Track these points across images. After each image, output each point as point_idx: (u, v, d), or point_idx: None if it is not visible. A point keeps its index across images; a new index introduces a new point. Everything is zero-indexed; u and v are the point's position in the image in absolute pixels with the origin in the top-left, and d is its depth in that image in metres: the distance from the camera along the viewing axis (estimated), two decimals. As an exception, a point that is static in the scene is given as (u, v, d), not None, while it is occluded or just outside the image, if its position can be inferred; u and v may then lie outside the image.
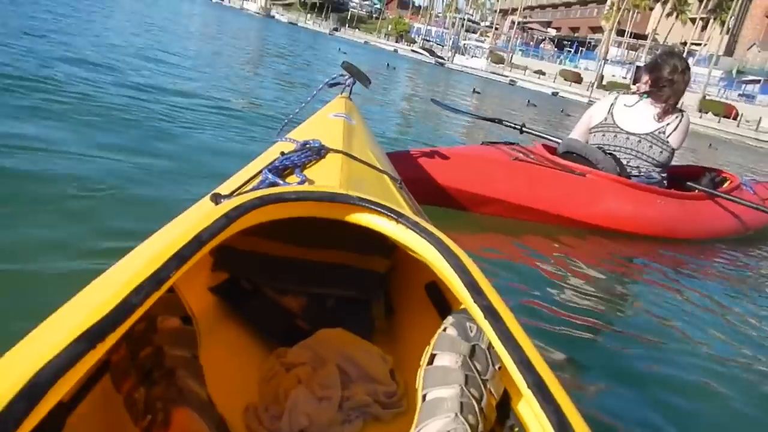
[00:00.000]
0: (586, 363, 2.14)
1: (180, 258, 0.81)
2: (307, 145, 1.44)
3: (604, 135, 3.91)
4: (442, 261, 0.97)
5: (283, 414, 1.11)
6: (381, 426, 1.17)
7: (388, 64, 25.81)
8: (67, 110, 4.03)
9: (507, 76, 51.76)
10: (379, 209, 1.06)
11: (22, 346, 0.66)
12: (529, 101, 22.38)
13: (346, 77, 2.43)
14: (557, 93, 45.86)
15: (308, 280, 1.39)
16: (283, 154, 1.40)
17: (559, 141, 4.07)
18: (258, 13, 71.08)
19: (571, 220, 3.56)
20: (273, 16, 71.99)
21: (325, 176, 1.31)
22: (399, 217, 1.04)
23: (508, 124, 4.76)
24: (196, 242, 0.85)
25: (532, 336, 0.88)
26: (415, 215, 1.10)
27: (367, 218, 1.08)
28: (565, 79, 52.62)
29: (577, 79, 52.83)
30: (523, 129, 4.51)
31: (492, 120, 5.09)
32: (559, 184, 3.56)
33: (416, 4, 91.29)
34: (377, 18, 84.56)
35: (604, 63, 53.25)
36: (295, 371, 1.21)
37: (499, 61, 59.53)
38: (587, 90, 47.71)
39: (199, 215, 0.94)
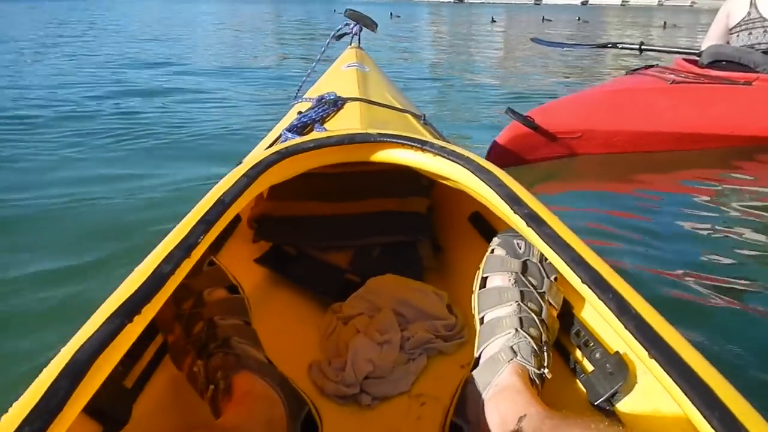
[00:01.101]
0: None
1: (206, 222, 0.81)
2: (323, 99, 1.41)
3: (750, 33, 3.40)
4: (474, 179, 0.94)
5: (346, 364, 1.11)
6: (446, 358, 1.16)
7: (391, 14, 24.87)
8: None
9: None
10: (401, 141, 1.02)
11: (78, 334, 0.67)
12: (543, 18, 22.09)
13: (352, 25, 2.37)
14: (587, 1, 43.42)
15: (351, 233, 1.38)
16: (300, 113, 1.37)
17: (695, 51, 3.59)
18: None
19: (745, 138, 3.15)
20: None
21: (346, 125, 1.28)
22: (423, 144, 1.00)
23: (625, 46, 4.12)
24: (220, 205, 0.85)
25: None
26: (441, 141, 1.06)
27: (391, 153, 1.05)
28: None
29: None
30: (642, 48, 3.90)
31: (604, 46, 4.48)
32: (726, 98, 3.13)
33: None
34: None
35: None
36: (352, 323, 1.22)
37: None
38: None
39: (223, 181, 0.94)
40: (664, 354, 0.63)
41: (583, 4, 42.86)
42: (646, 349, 0.64)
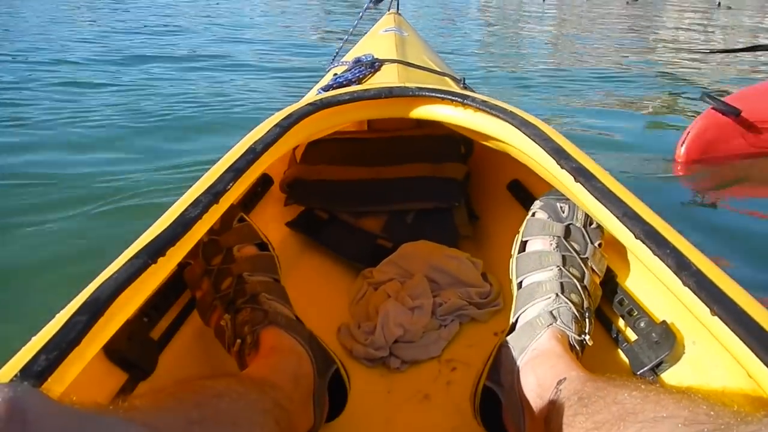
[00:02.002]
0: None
1: (235, 171, 0.79)
2: (360, 61, 1.38)
3: None
4: (520, 135, 0.88)
5: (375, 328, 1.09)
6: (480, 325, 1.13)
7: None
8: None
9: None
10: (441, 95, 0.97)
11: (102, 273, 0.67)
12: None
13: None
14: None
15: (384, 198, 1.35)
16: (336, 75, 1.35)
17: None
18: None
19: None
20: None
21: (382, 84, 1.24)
22: (464, 99, 0.95)
23: None
24: (251, 153, 0.82)
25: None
26: (482, 96, 1.00)
27: (431, 109, 1.00)
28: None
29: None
30: None
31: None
32: None
33: None
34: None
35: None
36: (383, 288, 1.19)
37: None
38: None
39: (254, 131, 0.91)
40: (730, 311, 0.57)
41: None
42: (709, 306, 0.59)
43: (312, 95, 1.42)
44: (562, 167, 0.80)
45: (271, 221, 1.30)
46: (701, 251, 0.67)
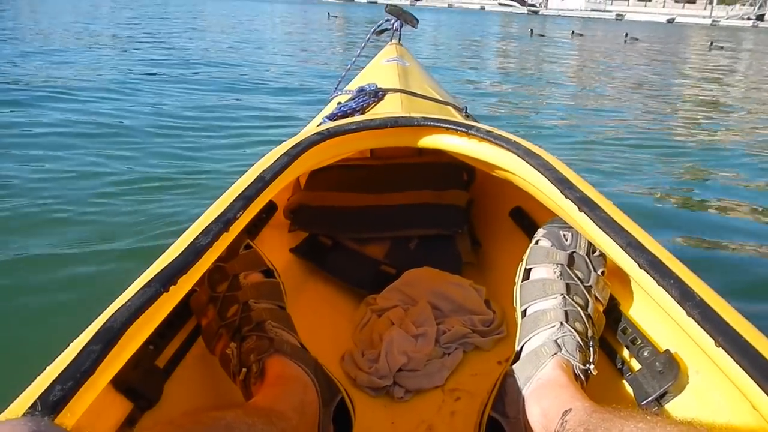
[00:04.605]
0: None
1: (245, 198, 0.80)
2: (363, 91, 1.40)
3: None
4: (524, 165, 0.89)
5: (379, 356, 1.08)
6: (483, 353, 1.12)
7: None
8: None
9: (611, 11, 47.65)
10: (446, 125, 0.98)
11: (114, 303, 0.67)
12: (627, 35, 19.99)
13: (392, 21, 2.35)
14: (673, 19, 41.35)
15: (388, 224, 1.35)
16: (340, 104, 1.36)
17: None
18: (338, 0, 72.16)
19: None
20: (353, 0, 72.62)
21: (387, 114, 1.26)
22: (468, 129, 0.96)
23: None
24: (260, 182, 0.84)
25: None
26: (486, 126, 1.01)
27: (436, 138, 1.01)
28: (676, 1, 47.34)
29: (691, -1, 47.33)
30: None
31: None
32: None
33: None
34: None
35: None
36: (386, 315, 1.19)
37: (598, -5, 54.92)
38: (704, 9, 42.59)
39: (262, 160, 0.93)
40: (734, 343, 0.57)
41: (669, 21, 40.75)
42: (713, 337, 0.59)
43: (317, 122, 1.43)
44: (566, 197, 0.81)
45: (276, 247, 1.30)
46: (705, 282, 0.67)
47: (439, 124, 0.99)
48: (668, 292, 0.65)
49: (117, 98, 4.82)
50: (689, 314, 0.62)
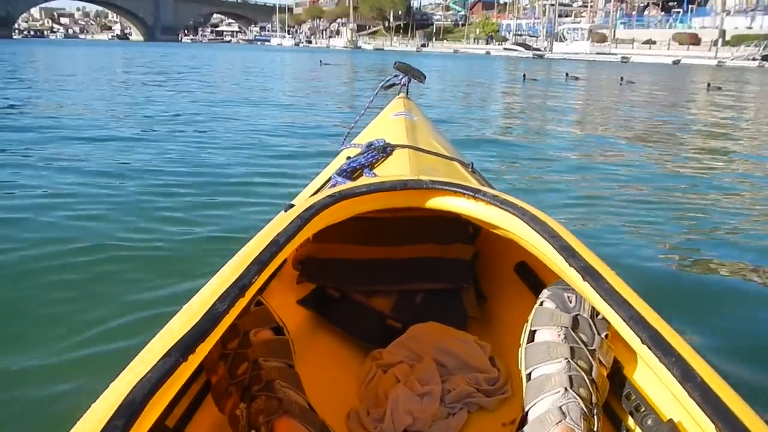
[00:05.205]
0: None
1: (260, 263, 0.81)
2: (372, 146, 1.43)
3: None
4: (529, 231, 0.91)
5: (385, 415, 1.08)
6: (488, 414, 1.11)
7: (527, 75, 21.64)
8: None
9: (616, 54, 48.32)
10: (453, 189, 1.02)
11: (125, 370, 0.67)
12: (622, 79, 19.67)
13: (400, 77, 2.41)
14: (679, 61, 41.84)
15: (394, 278, 1.36)
16: (349, 158, 1.40)
17: None
18: (345, 47, 74.45)
19: None
20: (360, 47, 74.84)
21: (395, 171, 1.29)
22: (476, 193, 0.99)
23: None
24: (274, 246, 0.85)
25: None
26: (492, 190, 1.04)
27: (443, 201, 1.04)
28: (681, 44, 48.06)
29: (695, 40, 47.96)
30: None
31: None
32: None
33: (501, 2, 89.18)
34: (463, 25, 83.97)
35: (725, 16, 47.76)
36: (392, 371, 1.19)
37: (602, 39, 55.83)
38: (709, 50, 43.18)
39: (275, 223, 0.94)
40: (736, 429, 0.58)
41: (675, 63, 41.30)
42: (714, 422, 0.59)
43: (326, 176, 1.46)
44: (570, 265, 0.82)
45: (284, 298, 1.32)
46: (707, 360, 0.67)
47: (446, 187, 1.02)
48: (669, 371, 0.65)
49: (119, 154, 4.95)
50: (690, 395, 0.62)
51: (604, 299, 0.76)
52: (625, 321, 0.72)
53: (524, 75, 20.42)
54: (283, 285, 1.34)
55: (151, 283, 2.36)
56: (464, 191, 1.00)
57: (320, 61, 27.16)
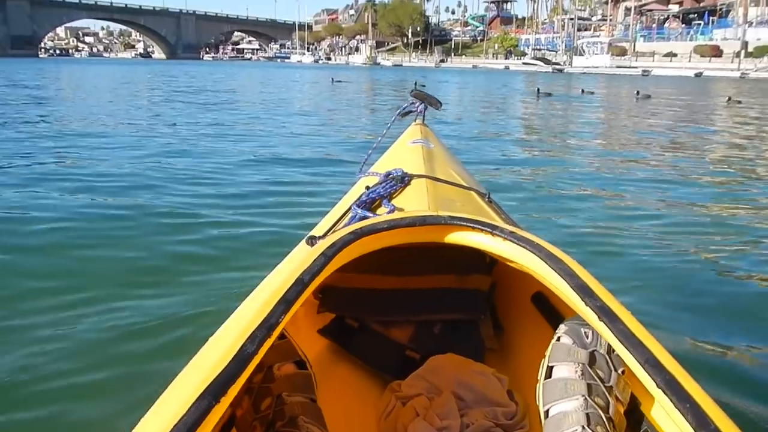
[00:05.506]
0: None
1: (286, 302, 0.83)
2: (390, 175, 1.46)
3: None
4: (546, 268, 0.93)
5: (404, 450, 1.06)
6: None
7: (538, 90, 20.60)
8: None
9: (637, 67, 47.85)
10: (471, 225, 1.04)
11: (152, 411, 0.69)
12: (638, 93, 18.98)
13: (417, 104, 2.44)
14: (701, 73, 41.27)
15: (412, 308, 1.38)
16: (368, 188, 1.42)
17: None
18: (364, 63, 75.19)
19: None
20: (379, 63, 75.51)
21: (413, 202, 1.31)
22: (493, 229, 1.02)
23: None
24: (300, 284, 0.87)
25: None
26: (510, 225, 1.06)
27: (462, 236, 1.07)
28: (702, 56, 47.35)
29: (716, 52, 47.23)
30: None
31: None
32: None
33: (519, 17, 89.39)
34: (482, 40, 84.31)
35: (747, 27, 47.07)
36: (411, 404, 1.19)
37: (622, 53, 55.41)
38: (732, 62, 42.57)
39: (299, 258, 0.97)
40: None
41: (697, 75, 40.77)
42: None
43: (345, 206, 1.48)
44: (586, 304, 0.83)
45: (305, 327, 1.34)
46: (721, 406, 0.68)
47: (464, 223, 1.05)
48: (684, 417, 0.66)
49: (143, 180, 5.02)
50: None
51: (619, 340, 0.77)
52: (640, 364, 0.73)
53: (538, 90, 20.15)
54: (304, 313, 1.36)
55: (168, 306, 2.38)
56: (482, 227, 1.03)
57: (332, 79, 27.14)
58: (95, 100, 12.46)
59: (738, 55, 43.10)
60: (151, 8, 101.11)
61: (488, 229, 1.02)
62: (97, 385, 1.85)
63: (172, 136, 7.83)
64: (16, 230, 3.41)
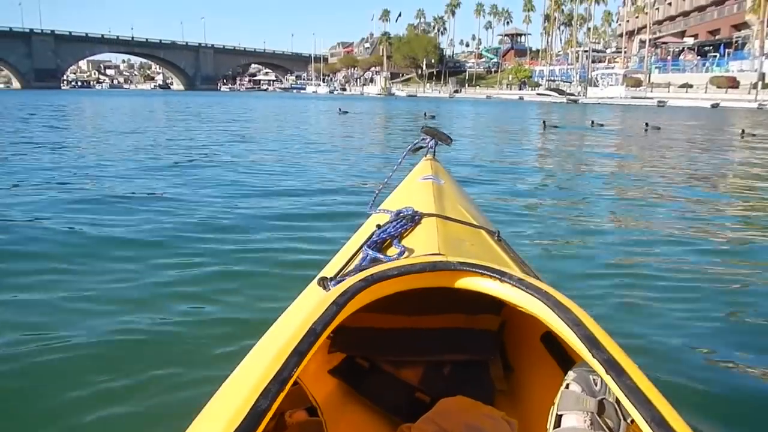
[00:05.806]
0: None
1: (299, 354, 0.84)
2: (401, 214, 1.47)
3: None
4: (553, 315, 0.94)
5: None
6: None
7: (425, 114, 20.60)
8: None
9: (652, 98, 47.77)
10: (480, 271, 1.05)
11: None
12: (647, 125, 18.36)
13: (428, 140, 2.46)
14: (718, 104, 41.02)
15: (422, 348, 1.38)
16: (378, 226, 1.44)
17: None
18: (379, 94, 76.26)
19: None
20: (393, 94, 76.53)
21: (423, 243, 1.32)
22: (502, 276, 1.03)
23: None
24: (312, 335, 0.88)
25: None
26: (519, 268, 1.09)
27: (471, 281, 1.08)
28: (719, 87, 47.25)
29: (733, 84, 47.11)
30: None
31: None
32: None
33: (533, 49, 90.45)
34: (496, 71, 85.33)
35: (764, 59, 46.92)
36: (420, 447, 1.17)
37: (636, 84, 55.49)
38: (749, 93, 42.39)
39: (310, 305, 0.98)
40: None
41: (713, 106, 40.60)
42: None
43: (356, 245, 1.49)
44: (593, 356, 0.83)
45: (315, 368, 1.35)
46: None
47: (474, 269, 1.06)
48: None
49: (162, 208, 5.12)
50: None
51: (626, 395, 0.77)
52: (647, 422, 0.73)
53: (544, 122, 19.67)
54: (315, 353, 1.27)
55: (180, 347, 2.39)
56: (491, 273, 1.04)
57: (339, 109, 26.77)
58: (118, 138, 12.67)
59: (755, 86, 42.92)
60: (171, 42, 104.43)
61: (497, 276, 1.04)
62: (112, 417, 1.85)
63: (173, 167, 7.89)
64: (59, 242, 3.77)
